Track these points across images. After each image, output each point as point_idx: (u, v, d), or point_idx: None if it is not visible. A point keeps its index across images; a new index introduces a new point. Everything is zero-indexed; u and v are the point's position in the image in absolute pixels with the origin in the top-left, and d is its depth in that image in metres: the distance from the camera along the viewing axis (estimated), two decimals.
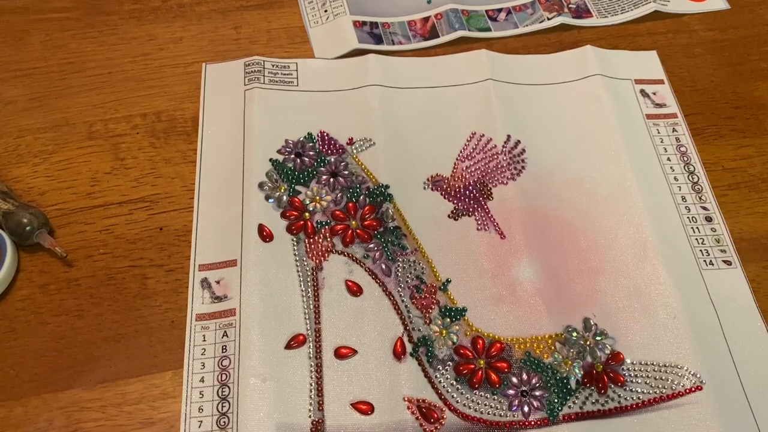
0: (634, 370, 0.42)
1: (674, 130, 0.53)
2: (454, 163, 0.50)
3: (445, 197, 0.49)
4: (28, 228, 0.43)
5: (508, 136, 0.51)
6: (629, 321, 0.44)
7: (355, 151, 0.50)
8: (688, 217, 0.49)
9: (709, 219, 0.49)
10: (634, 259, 0.46)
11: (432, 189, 0.49)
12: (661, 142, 0.52)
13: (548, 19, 0.61)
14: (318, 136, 0.51)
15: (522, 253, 0.46)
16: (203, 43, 0.58)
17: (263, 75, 0.54)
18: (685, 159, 0.52)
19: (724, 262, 0.47)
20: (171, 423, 0.40)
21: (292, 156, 0.50)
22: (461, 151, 0.51)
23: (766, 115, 0.55)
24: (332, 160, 0.50)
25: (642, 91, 0.55)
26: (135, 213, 0.48)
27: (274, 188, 0.48)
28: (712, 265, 0.47)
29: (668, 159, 0.51)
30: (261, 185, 0.48)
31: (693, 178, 0.51)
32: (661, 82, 0.56)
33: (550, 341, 0.43)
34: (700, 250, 0.47)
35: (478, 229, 0.47)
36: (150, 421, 0.40)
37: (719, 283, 0.46)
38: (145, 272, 0.45)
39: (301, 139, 0.51)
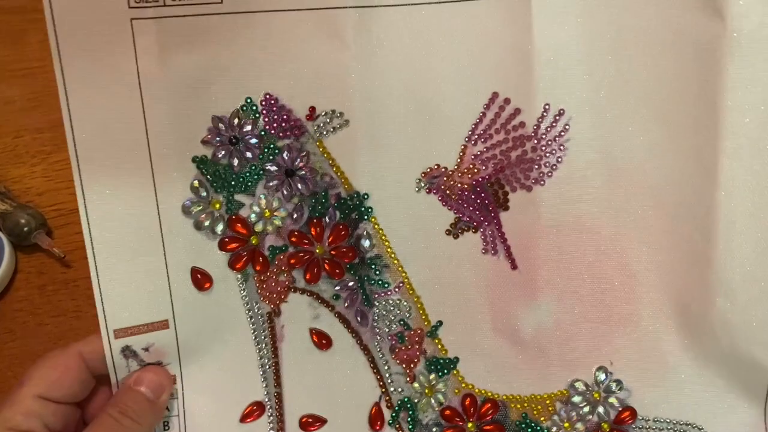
0: (647, 428, 0.37)
1: None
2: (462, 147, 0.35)
3: (443, 203, 0.36)
4: (25, 228, 0.42)
5: (546, 106, 0.34)
6: (645, 376, 0.37)
7: (318, 132, 0.34)
8: None
9: None
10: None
11: (427, 191, 0.35)
12: None
13: None
14: (261, 102, 0.34)
15: (536, 289, 0.36)
16: None
17: None
18: None
19: None
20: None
21: (226, 144, 0.34)
22: (474, 127, 0.35)
23: None
24: (285, 146, 0.34)
25: None
26: None
27: (204, 210, 0.34)
28: None
29: None
30: (186, 209, 0.34)
31: None
32: None
33: (548, 401, 0.37)
34: None
35: (483, 252, 0.36)
36: None
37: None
38: None
39: (237, 109, 0.34)
